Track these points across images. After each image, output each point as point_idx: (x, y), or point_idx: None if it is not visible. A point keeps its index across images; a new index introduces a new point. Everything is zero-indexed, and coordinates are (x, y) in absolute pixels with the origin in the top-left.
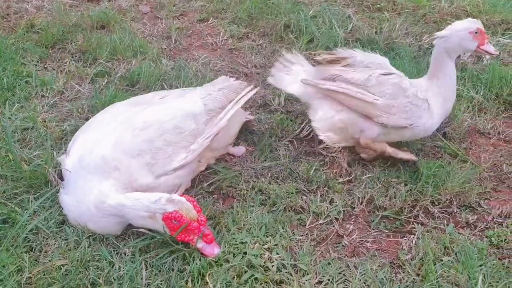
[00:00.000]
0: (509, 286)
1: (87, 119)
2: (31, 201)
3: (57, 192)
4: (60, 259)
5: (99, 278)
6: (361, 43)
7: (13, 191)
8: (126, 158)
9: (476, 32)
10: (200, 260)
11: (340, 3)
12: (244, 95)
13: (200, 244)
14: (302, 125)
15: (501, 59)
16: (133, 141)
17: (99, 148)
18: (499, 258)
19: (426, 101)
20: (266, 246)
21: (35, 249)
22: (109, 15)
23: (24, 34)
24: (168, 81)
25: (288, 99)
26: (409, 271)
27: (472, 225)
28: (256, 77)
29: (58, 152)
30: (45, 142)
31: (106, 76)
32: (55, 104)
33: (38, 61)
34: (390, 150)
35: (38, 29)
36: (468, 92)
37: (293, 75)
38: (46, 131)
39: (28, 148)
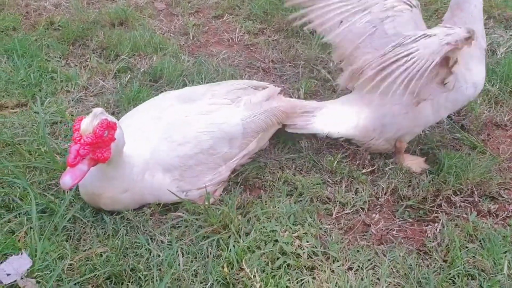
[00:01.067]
0: None
1: (113, 113)
2: (67, 191)
3: None
4: (99, 247)
5: (139, 264)
6: None
7: (48, 182)
8: (159, 170)
9: None
10: (234, 246)
11: None
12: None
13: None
14: None
15: None
16: (169, 154)
17: (141, 149)
18: None
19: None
20: (295, 235)
21: (73, 237)
22: (127, 12)
23: (45, 31)
24: (190, 76)
25: (307, 93)
26: (436, 257)
27: (494, 214)
28: (274, 71)
29: None
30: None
31: (129, 71)
32: (80, 99)
33: (60, 57)
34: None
35: (58, 26)
36: (484, 85)
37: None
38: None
39: (60, 141)
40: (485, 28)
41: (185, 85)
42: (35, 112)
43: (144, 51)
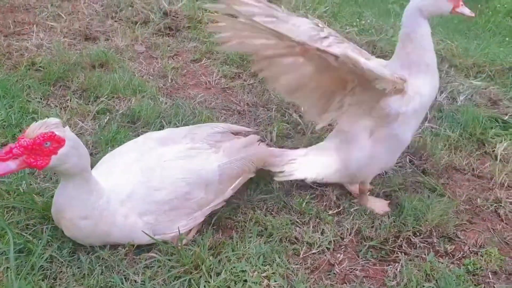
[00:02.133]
0: None
1: (91, 154)
2: (45, 231)
3: None
4: (75, 286)
5: None
6: None
7: (26, 222)
8: (134, 213)
9: None
10: (205, 287)
11: None
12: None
13: None
14: None
15: (474, 101)
16: (145, 199)
17: (118, 189)
18: (475, 284)
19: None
20: (264, 274)
21: (49, 277)
22: (108, 55)
23: (27, 71)
24: (167, 118)
25: (279, 135)
26: None
27: (450, 254)
28: (248, 114)
29: None
30: (52, 175)
31: (108, 113)
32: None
33: (41, 98)
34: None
35: (39, 66)
36: (445, 131)
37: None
38: None
39: (39, 181)
40: (446, 76)
41: (162, 126)
42: None
43: (123, 93)
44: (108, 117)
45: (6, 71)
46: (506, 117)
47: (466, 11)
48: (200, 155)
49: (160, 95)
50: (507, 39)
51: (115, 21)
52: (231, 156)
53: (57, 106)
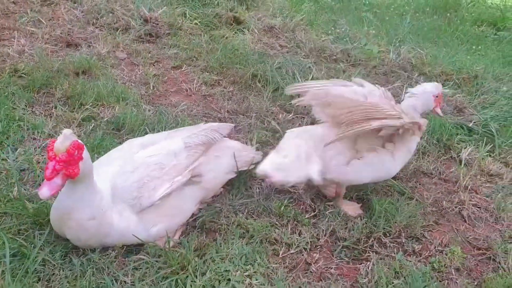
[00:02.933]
0: None
1: None
2: (37, 236)
3: None
4: (68, 287)
5: None
6: None
7: (18, 228)
8: (125, 208)
9: (437, 96)
10: (191, 286)
11: (301, 54)
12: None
13: (45, 181)
14: None
15: (441, 109)
16: (124, 182)
17: (107, 191)
18: (439, 280)
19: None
20: (246, 273)
21: (43, 279)
22: (91, 62)
23: (10, 78)
24: (151, 125)
25: (259, 142)
26: None
27: (418, 253)
28: (229, 121)
29: None
30: (41, 182)
31: (93, 120)
32: (46, 146)
33: (26, 105)
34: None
35: (22, 73)
36: None
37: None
38: (41, 171)
39: (28, 187)
40: (416, 84)
41: (146, 133)
42: (2, 159)
43: (107, 101)
44: (93, 124)
45: None
46: (470, 124)
47: (439, 112)
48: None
49: (143, 102)
50: (474, 47)
51: (96, 28)
52: (192, 132)
53: (42, 113)
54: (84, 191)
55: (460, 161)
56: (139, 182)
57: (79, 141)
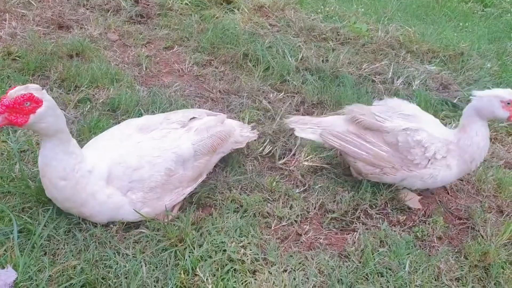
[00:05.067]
0: (428, 268)
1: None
2: (41, 213)
3: None
4: (73, 260)
5: (109, 273)
6: (310, 72)
7: (22, 206)
8: (117, 193)
9: (508, 103)
10: (189, 256)
11: (291, 33)
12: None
13: None
14: (264, 144)
15: (427, 85)
16: (123, 179)
17: (99, 168)
18: (422, 248)
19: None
20: (241, 244)
21: (49, 253)
22: (83, 44)
23: (4, 61)
24: (145, 106)
25: (250, 121)
26: (353, 259)
27: (402, 223)
28: (221, 101)
29: None
30: None
31: (88, 102)
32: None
33: None
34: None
35: (16, 56)
36: None
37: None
38: None
39: (30, 166)
40: (404, 62)
41: (141, 114)
42: (3, 141)
43: (101, 82)
44: (89, 105)
45: None
46: (455, 100)
47: None
48: (171, 134)
49: (136, 84)
50: (461, 24)
51: (87, 9)
52: (202, 134)
53: None
54: (56, 149)
55: None
56: (142, 182)
57: (38, 95)
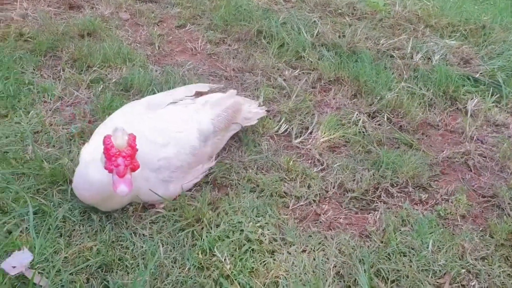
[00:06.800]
0: (452, 248)
1: (89, 122)
2: (55, 194)
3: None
4: (89, 241)
5: (125, 254)
6: (327, 48)
7: (37, 187)
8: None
9: None
10: (206, 236)
11: (306, 9)
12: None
13: (114, 176)
14: (280, 123)
15: (448, 60)
16: (153, 157)
17: None
18: (445, 227)
19: None
20: (258, 225)
21: (64, 235)
22: (95, 24)
23: (16, 42)
24: (158, 85)
25: (265, 100)
26: (375, 239)
27: (424, 202)
28: (235, 80)
29: (70, 152)
30: (55, 143)
31: (101, 82)
32: (57, 109)
33: (34, 69)
34: None
35: (28, 37)
36: (420, 90)
37: None
38: (55, 133)
39: (42, 147)
40: (422, 36)
41: (154, 93)
42: (16, 123)
43: (114, 62)
44: (101, 85)
45: None
46: (477, 75)
47: None
48: (187, 110)
49: (149, 63)
50: None
51: None
52: (217, 109)
53: (50, 76)
54: None
55: (466, 112)
56: (169, 159)
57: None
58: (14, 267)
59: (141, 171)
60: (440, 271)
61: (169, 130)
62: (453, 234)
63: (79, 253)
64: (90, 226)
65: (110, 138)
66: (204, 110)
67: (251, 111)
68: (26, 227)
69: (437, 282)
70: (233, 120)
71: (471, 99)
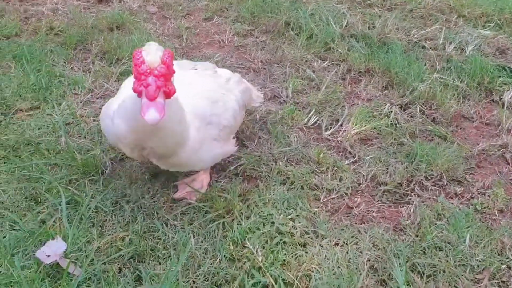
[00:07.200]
0: (490, 243)
1: None
2: (87, 185)
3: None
4: (122, 232)
5: (157, 245)
6: (356, 39)
7: (69, 178)
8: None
9: None
10: (237, 228)
11: (334, 0)
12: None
13: (143, 99)
14: (310, 115)
15: (482, 51)
16: (206, 109)
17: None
18: (482, 221)
19: None
20: (289, 217)
21: (96, 225)
22: (123, 17)
23: (46, 36)
24: None
25: (294, 91)
26: (410, 233)
27: (460, 196)
28: (263, 72)
29: (101, 143)
30: (86, 134)
31: (131, 74)
32: (87, 101)
33: (64, 62)
34: None
35: (58, 31)
36: (453, 82)
37: None
38: (86, 125)
39: (74, 139)
40: (455, 27)
41: None
42: (48, 114)
43: None
44: None
45: (27, 36)
46: None
47: None
48: (219, 79)
49: (177, 55)
50: None
51: None
52: (242, 86)
53: (80, 69)
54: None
55: (503, 104)
56: (218, 116)
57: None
58: (48, 256)
59: (194, 119)
60: (478, 266)
61: (217, 90)
62: (491, 229)
63: (111, 243)
64: (122, 216)
65: (141, 53)
66: (231, 84)
67: (259, 95)
68: (59, 217)
69: (475, 278)
70: (248, 100)
71: (508, 90)
